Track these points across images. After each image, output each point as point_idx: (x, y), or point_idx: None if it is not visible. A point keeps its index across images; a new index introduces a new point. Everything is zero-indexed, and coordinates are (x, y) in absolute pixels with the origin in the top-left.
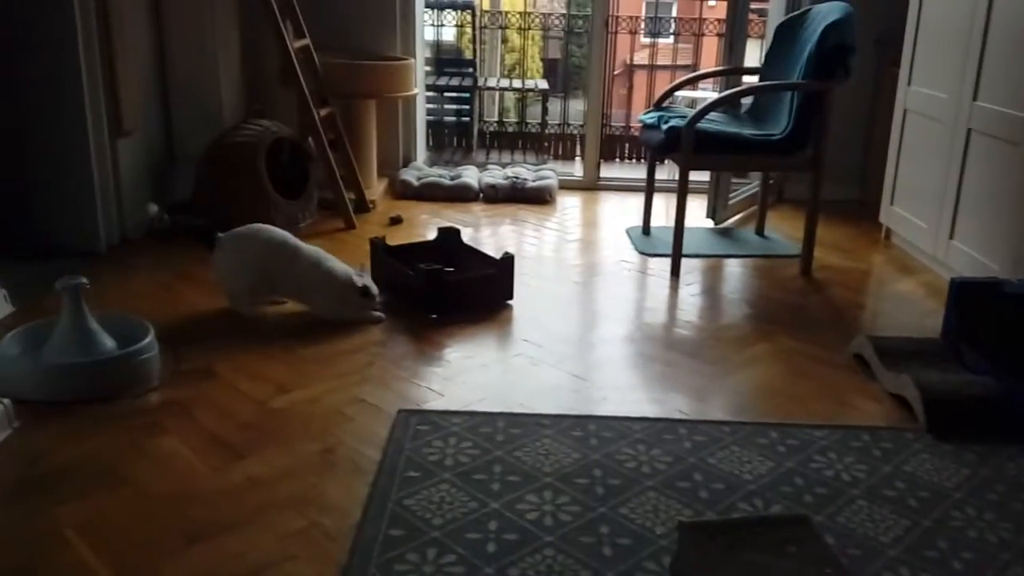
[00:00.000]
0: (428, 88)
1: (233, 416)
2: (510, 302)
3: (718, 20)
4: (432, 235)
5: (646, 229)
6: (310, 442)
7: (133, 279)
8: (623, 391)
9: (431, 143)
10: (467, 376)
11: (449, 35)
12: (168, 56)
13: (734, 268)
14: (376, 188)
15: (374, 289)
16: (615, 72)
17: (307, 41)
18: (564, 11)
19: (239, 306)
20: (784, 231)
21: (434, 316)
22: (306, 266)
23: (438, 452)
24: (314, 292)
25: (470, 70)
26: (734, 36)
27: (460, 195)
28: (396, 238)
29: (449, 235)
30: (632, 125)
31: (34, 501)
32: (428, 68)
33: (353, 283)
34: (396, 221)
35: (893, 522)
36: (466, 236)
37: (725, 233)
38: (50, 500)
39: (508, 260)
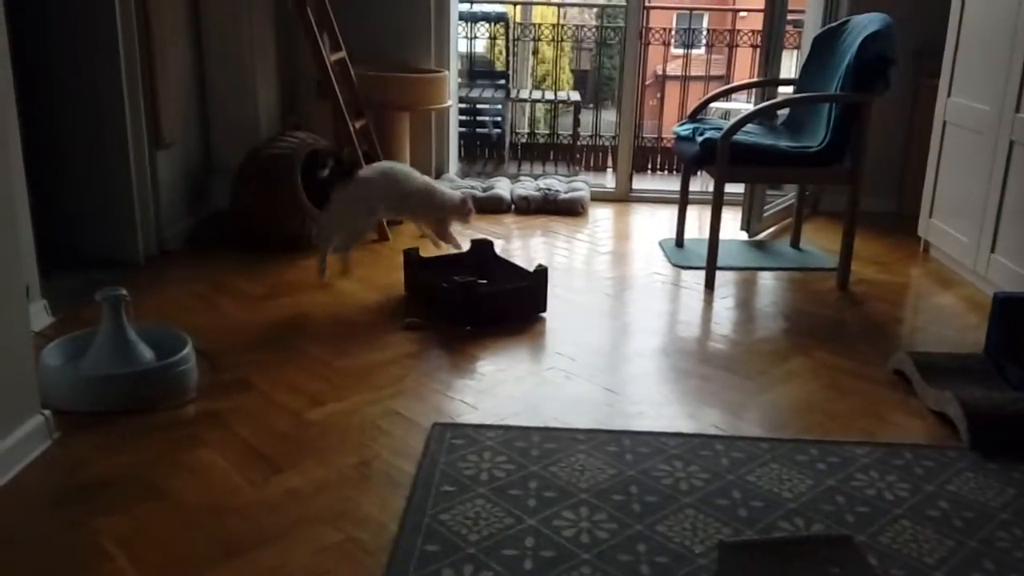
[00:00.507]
0: (460, 100)
1: (270, 428)
2: (543, 314)
3: (751, 31)
4: (465, 247)
5: (679, 241)
6: (346, 455)
7: (171, 290)
8: (658, 406)
9: (463, 155)
10: (501, 389)
11: (481, 47)
12: (207, 69)
13: (769, 281)
14: None
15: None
16: (646, 83)
17: (343, 54)
18: (596, 23)
19: (349, 234)
20: (820, 244)
21: (467, 328)
22: (416, 192)
23: (473, 466)
24: (423, 215)
25: (502, 82)
26: (771, 47)
27: (492, 207)
28: (429, 250)
29: (482, 247)
30: (664, 137)
31: (73, 512)
32: (460, 80)
33: (465, 200)
34: None
35: (937, 542)
36: (498, 248)
37: (759, 246)
38: (89, 511)
39: (541, 272)
